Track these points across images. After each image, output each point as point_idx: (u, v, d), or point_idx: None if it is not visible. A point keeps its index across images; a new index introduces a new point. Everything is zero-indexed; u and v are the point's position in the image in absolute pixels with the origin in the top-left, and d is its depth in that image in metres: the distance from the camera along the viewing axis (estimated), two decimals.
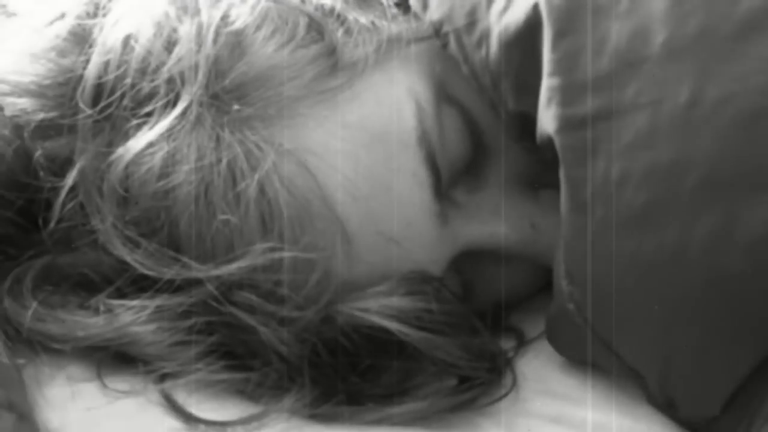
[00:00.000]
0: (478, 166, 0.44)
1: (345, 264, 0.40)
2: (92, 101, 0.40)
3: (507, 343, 0.44)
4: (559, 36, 0.36)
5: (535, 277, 0.46)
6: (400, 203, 0.41)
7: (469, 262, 0.44)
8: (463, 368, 0.40)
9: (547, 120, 0.37)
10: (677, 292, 0.34)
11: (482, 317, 0.44)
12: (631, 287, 0.35)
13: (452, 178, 0.43)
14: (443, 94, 0.43)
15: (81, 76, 0.41)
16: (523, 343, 0.44)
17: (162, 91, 0.39)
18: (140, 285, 0.39)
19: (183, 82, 0.39)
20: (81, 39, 0.42)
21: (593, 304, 0.37)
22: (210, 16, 0.41)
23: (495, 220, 0.43)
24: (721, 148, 0.33)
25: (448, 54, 0.42)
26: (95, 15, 0.42)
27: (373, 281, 0.41)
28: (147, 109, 0.40)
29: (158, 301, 0.38)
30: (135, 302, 0.38)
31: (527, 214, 0.44)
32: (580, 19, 0.36)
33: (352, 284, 0.40)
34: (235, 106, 0.39)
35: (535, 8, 0.37)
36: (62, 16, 0.43)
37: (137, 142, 0.39)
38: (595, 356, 0.39)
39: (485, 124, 0.43)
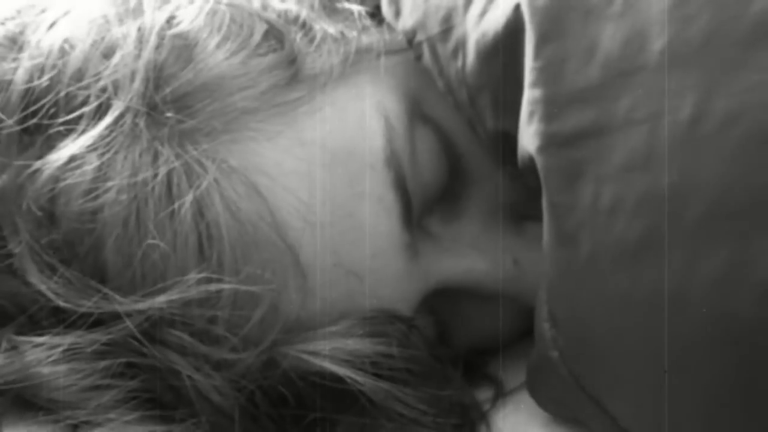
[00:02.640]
0: (455, 193, 0.41)
1: (296, 300, 0.36)
2: (19, 110, 0.37)
3: (483, 394, 0.40)
4: (542, 41, 0.33)
5: (518, 318, 0.42)
6: (363, 232, 0.37)
7: (443, 300, 0.40)
8: (426, 424, 0.36)
9: (528, 137, 0.33)
10: (678, 341, 0.30)
11: (457, 363, 0.40)
12: (623, 334, 0.31)
13: (425, 205, 0.40)
14: (417, 112, 0.40)
15: (10, 81, 0.37)
16: (501, 394, 0.40)
17: (93, 99, 0.36)
18: (57, 319, 0.34)
19: (116, 90, 0.36)
20: (13, 42, 0.39)
21: (580, 353, 0.33)
22: (154, 19, 0.38)
23: (473, 255, 0.40)
24: (729, 173, 0.29)
25: (422, 67, 0.39)
26: (30, 15, 0.39)
27: (330, 320, 0.36)
28: (75, 117, 0.36)
29: (71, 337, 0.33)
30: (44, 338, 0.33)
31: (509, 249, 0.40)
32: (566, 22, 0.33)
33: (304, 324, 0.36)
34: (174, 117, 0.35)
35: (517, 10, 0.34)
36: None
37: (60, 155, 0.35)
38: (580, 414, 0.35)
39: (463, 146, 0.40)
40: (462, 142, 0.40)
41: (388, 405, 0.35)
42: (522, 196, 0.40)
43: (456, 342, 0.41)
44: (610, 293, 0.31)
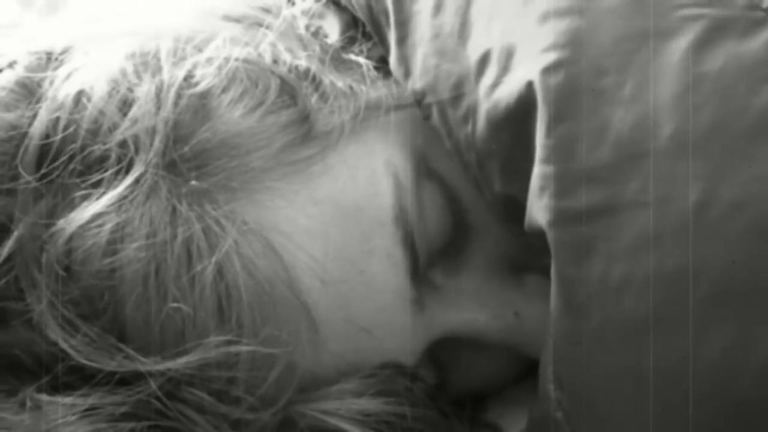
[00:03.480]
0: (458, 246, 0.41)
1: (310, 355, 0.37)
2: (36, 163, 0.37)
3: None
4: (555, 120, 0.33)
5: (516, 365, 0.43)
6: (373, 288, 0.38)
7: (444, 349, 0.41)
8: None
9: (538, 210, 0.34)
10: (679, 414, 0.31)
11: (456, 411, 0.41)
12: (628, 405, 0.32)
13: (430, 259, 0.40)
14: (424, 168, 0.40)
15: (25, 134, 0.37)
16: None
17: (113, 156, 0.36)
18: (77, 376, 0.35)
19: (137, 148, 0.36)
20: (29, 92, 0.38)
21: (584, 416, 0.34)
22: (172, 76, 0.38)
23: (475, 307, 0.41)
24: (734, 258, 0.31)
25: (430, 125, 0.39)
26: (47, 67, 0.39)
27: (339, 374, 0.37)
28: (96, 177, 0.36)
29: (94, 398, 0.34)
30: (68, 399, 0.34)
31: (510, 301, 0.41)
32: (578, 103, 0.33)
33: (316, 378, 0.37)
34: (195, 178, 0.36)
35: (529, 87, 0.34)
36: (11, 65, 0.39)
37: (82, 213, 0.35)
38: None
39: (468, 202, 0.41)
40: (466, 199, 0.40)
41: None
42: (522, 251, 0.41)
43: (454, 388, 0.42)
44: (616, 365, 0.32)
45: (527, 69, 0.35)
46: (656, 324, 0.31)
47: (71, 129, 0.37)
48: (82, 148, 0.37)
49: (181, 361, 0.34)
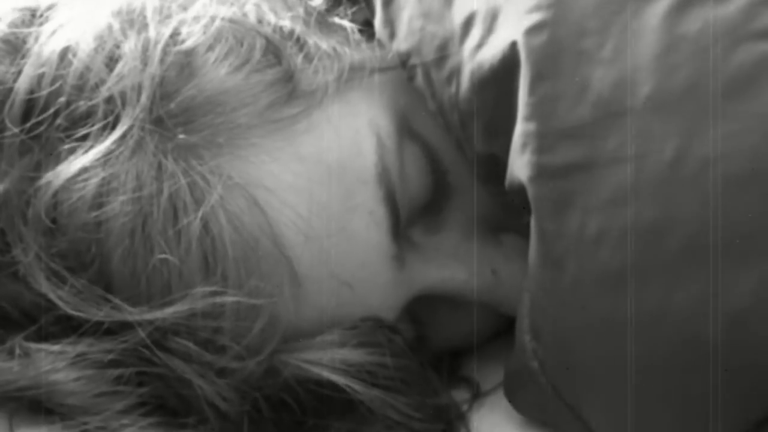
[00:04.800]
0: (438, 206, 0.42)
1: (293, 309, 0.38)
2: (21, 118, 0.37)
3: (460, 395, 0.42)
4: (537, 79, 0.34)
5: (492, 322, 0.44)
6: (355, 244, 0.39)
7: (423, 306, 0.42)
8: (415, 428, 0.38)
9: (520, 166, 0.35)
10: (652, 360, 0.32)
11: (435, 365, 0.42)
12: (602, 351, 0.33)
13: (411, 217, 0.41)
14: (406, 129, 0.41)
15: (11, 89, 0.38)
16: (478, 395, 0.42)
17: (100, 111, 0.37)
18: (64, 326, 0.35)
19: (124, 104, 0.36)
20: (14, 48, 0.38)
21: (559, 365, 0.35)
22: (158, 33, 0.38)
23: (454, 265, 0.41)
24: (706, 212, 0.32)
25: (414, 87, 0.40)
26: (31, 23, 0.39)
27: (322, 327, 0.38)
28: (82, 131, 0.36)
29: (82, 346, 0.34)
30: (56, 347, 0.34)
31: (488, 259, 0.42)
32: (561, 62, 0.34)
33: (299, 330, 0.38)
34: (181, 134, 0.36)
35: (513, 47, 0.35)
36: None
37: (69, 167, 0.36)
38: (557, 420, 0.37)
39: (449, 163, 0.41)
40: (447, 160, 0.41)
41: (383, 412, 0.37)
42: (501, 212, 0.41)
43: (432, 344, 0.43)
44: (591, 315, 0.33)
45: (511, 30, 0.35)
46: (631, 275, 0.32)
47: (57, 84, 0.37)
48: (68, 104, 0.37)
49: (167, 311, 0.35)
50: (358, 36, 0.42)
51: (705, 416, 0.33)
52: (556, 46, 0.34)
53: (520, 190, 0.35)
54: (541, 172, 0.34)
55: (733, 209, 0.31)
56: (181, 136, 0.36)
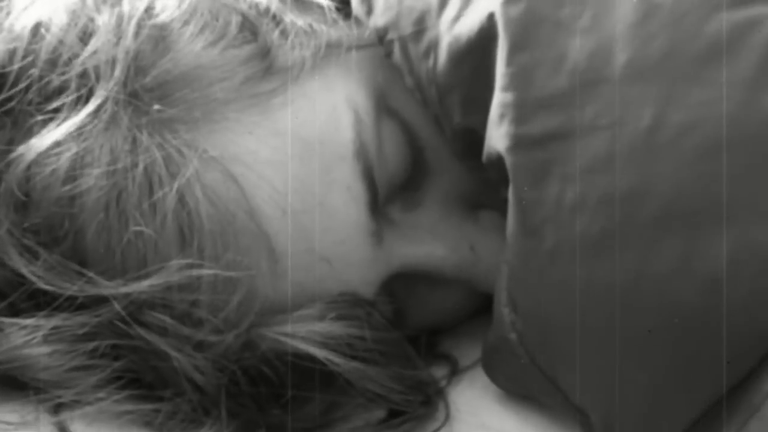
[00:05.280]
0: (416, 182, 0.42)
1: (270, 283, 0.37)
2: None
3: (439, 371, 0.42)
4: (515, 49, 0.34)
5: (470, 301, 0.44)
6: (333, 219, 0.39)
7: (401, 283, 0.42)
8: (394, 400, 0.38)
9: (497, 137, 0.35)
10: (629, 326, 0.32)
11: (413, 342, 0.42)
12: (580, 321, 0.33)
13: (389, 194, 0.41)
14: (384, 106, 0.41)
15: None
16: (456, 371, 0.42)
17: (73, 85, 0.36)
18: (38, 301, 0.35)
19: (98, 77, 0.36)
20: None
21: (538, 336, 0.35)
22: (132, 7, 0.38)
23: (432, 241, 0.41)
24: (682, 178, 0.32)
25: (391, 63, 0.40)
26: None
27: (299, 303, 0.38)
28: (55, 105, 0.36)
29: (56, 320, 0.34)
30: (29, 321, 0.34)
31: (466, 236, 0.42)
32: (538, 33, 0.34)
33: (276, 306, 0.38)
34: (156, 106, 0.36)
35: (491, 18, 0.35)
36: None
37: (41, 141, 0.35)
38: (536, 391, 0.37)
39: (426, 139, 0.41)
40: (425, 136, 0.41)
41: (361, 384, 0.37)
42: (479, 188, 0.42)
43: (412, 323, 0.43)
44: (569, 283, 0.33)
45: (488, 1, 0.35)
46: (608, 242, 0.32)
47: (29, 59, 0.37)
48: (41, 78, 0.37)
49: (143, 284, 0.34)
50: (334, 14, 0.42)
51: (682, 382, 0.33)
52: (533, 17, 0.34)
53: (497, 161, 0.36)
54: (518, 143, 0.34)
55: (708, 176, 0.32)
56: (156, 108, 0.36)
